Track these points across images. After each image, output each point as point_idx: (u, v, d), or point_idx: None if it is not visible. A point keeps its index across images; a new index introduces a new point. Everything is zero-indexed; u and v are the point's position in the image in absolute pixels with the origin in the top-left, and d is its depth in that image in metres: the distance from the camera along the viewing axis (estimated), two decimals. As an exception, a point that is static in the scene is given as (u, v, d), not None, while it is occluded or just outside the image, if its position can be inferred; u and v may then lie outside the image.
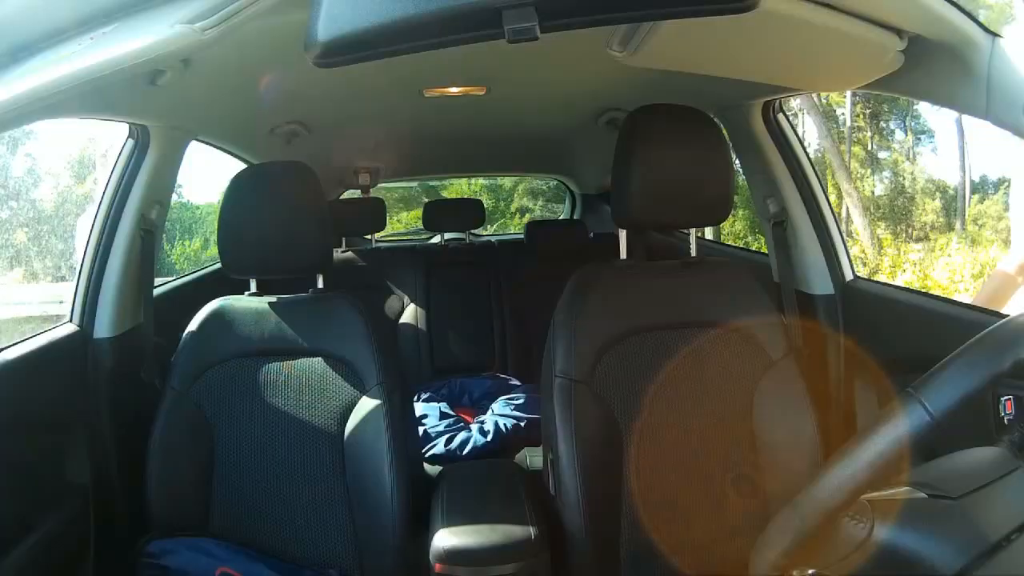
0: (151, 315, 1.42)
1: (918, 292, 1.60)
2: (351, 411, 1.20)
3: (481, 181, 11.70)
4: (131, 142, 1.39)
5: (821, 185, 1.61)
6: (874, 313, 1.41)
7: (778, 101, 1.57)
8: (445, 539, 1.04)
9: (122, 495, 1.31)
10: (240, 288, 1.32)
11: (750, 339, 1.19)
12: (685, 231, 1.33)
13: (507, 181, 12.50)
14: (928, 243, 10.55)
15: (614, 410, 1.15)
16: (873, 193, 15.52)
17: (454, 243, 2.78)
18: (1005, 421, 0.85)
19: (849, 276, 1.55)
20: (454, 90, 1.65)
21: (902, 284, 6.28)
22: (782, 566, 0.61)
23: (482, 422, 1.84)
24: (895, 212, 12.01)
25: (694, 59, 1.21)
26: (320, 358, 1.22)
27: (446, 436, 1.78)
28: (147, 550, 1.10)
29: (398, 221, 7.40)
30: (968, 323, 1.20)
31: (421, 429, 1.79)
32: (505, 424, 1.79)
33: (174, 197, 1.56)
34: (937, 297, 1.42)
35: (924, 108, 15.18)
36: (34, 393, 1.19)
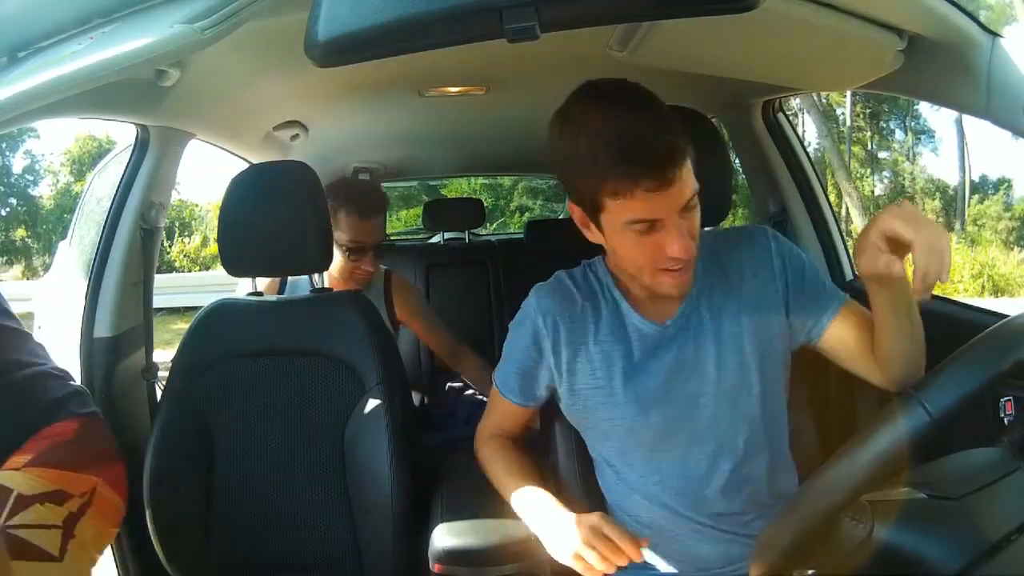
0: (151, 315, 1.42)
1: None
2: (351, 411, 1.20)
3: (481, 180, 11.71)
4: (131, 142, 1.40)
5: (821, 184, 1.61)
6: None
7: (778, 101, 1.57)
8: (444, 539, 1.04)
9: None
10: None
11: None
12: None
13: (507, 180, 12.48)
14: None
15: None
16: (873, 192, 15.54)
17: (454, 242, 2.78)
18: (1005, 421, 0.85)
19: (849, 276, 1.55)
20: (454, 90, 1.65)
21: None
22: (781, 566, 0.61)
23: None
24: (895, 212, 12.02)
25: (694, 59, 1.20)
26: (320, 358, 1.22)
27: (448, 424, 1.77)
28: None
29: (397, 219, 7.40)
30: (967, 323, 1.20)
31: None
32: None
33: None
34: (937, 297, 1.41)
35: (924, 108, 15.19)
36: None
